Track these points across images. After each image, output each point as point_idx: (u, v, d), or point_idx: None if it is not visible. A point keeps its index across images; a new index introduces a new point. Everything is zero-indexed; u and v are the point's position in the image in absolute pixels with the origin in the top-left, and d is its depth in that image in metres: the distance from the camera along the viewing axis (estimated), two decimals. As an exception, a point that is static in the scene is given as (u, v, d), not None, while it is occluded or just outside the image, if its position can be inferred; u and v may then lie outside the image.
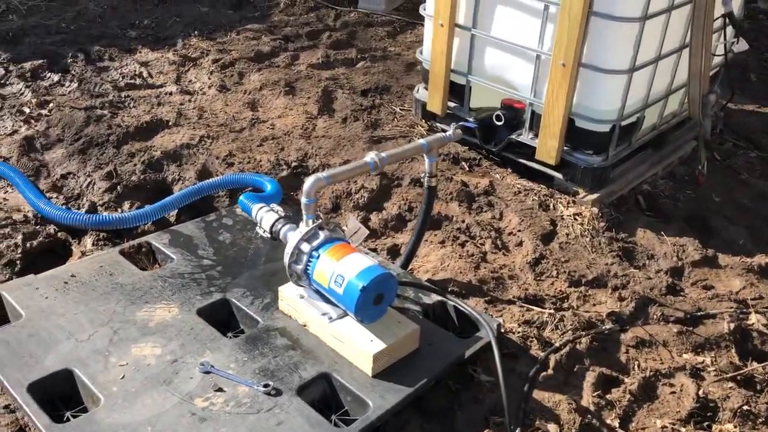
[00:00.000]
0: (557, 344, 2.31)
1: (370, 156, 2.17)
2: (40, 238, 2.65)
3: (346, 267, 1.99)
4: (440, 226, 2.90)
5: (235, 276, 2.39)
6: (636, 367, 2.28)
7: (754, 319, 2.50)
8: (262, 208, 2.30)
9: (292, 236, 2.10)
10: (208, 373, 1.97)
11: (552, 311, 2.46)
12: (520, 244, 2.84)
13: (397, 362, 2.05)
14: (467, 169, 3.32)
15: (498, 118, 3.19)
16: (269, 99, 3.87)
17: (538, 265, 2.71)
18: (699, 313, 2.52)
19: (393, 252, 2.77)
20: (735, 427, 2.09)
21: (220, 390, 1.92)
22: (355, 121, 3.64)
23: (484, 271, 2.63)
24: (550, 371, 2.21)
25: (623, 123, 3.01)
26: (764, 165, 3.67)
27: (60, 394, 1.93)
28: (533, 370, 2.19)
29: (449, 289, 2.52)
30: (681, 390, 2.19)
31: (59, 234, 2.72)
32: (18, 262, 2.53)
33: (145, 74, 4.08)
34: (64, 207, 2.86)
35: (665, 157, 3.44)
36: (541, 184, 3.20)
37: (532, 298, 2.55)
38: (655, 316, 2.50)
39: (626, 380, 2.22)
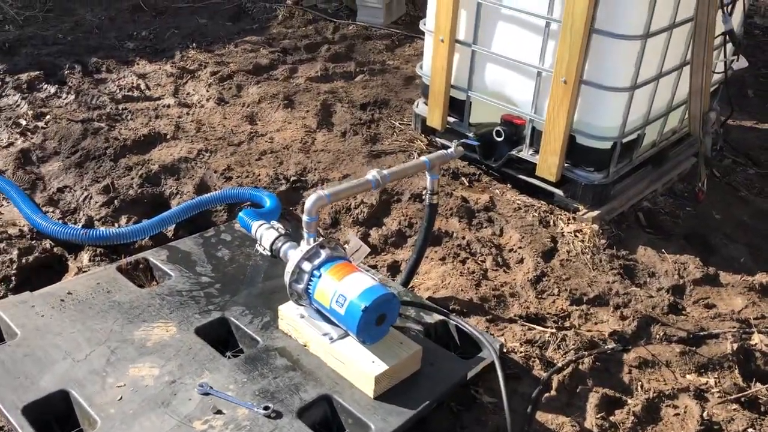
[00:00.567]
0: (560, 364, 2.29)
1: (372, 174, 2.15)
2: (36, 254, 2.62)
3: (348, 287, 1.96)
4: (441, 242, 2.88)
5: (233, 294, 2.36)
6: (639, 388, 2.26)
7: (756, 339, 2.49)
8: (261, 225, 2.28)
9: (293, 255, 2.08)
10: (207, 394, 1.93)
11: (554, 330, 2.44)
12: (521, 261, 2.82)
13: (399, 384, 2.02)
14: (467, 184, 3.30)
15: (498, 133, 3.18)
16: (268, 112, 3.84)
17: (539, 283, 2.69)
18: (701, 333, 2.51)
19: (393, 268, 2.74)
20: (740, 450, 2.07)
21: (219, 412, 1.88)
22: (354, 135, 3.62)
23: (485, 289, 2.61)
24: (553, 392, 2.19)
25: (624, 140, 3.01)
26: (763, 182, 3.67)
27: (56, 415, 1.89)
28: (536, 391, 2.17)
29: (450, 307, 2.49)
30: (685, 412, 2.17)
31: (55, 249, 2.69)
32: (13, 278, 2.50)
33: (142, 86, 4.05)
34: (60, 222, 2.83)
35: (665, 174, 3.44)
36: (542, 200, 3.19)
37: (534, 316, 2.53)
38: (657, 336, 2.48)
39: (629, 401, 2.20)
